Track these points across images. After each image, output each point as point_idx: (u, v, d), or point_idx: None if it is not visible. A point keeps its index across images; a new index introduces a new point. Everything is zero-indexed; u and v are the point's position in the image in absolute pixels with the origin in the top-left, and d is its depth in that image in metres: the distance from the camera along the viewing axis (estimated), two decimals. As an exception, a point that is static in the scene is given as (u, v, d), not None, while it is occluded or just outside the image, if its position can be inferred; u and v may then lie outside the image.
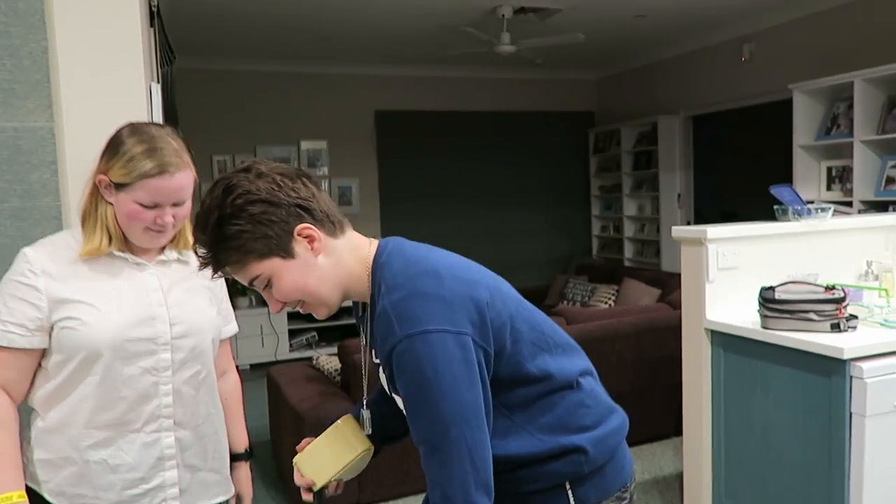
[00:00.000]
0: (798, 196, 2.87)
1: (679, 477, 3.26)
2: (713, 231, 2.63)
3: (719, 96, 5.93)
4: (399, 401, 1.16)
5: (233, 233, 1.06)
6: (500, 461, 1.11)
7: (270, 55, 6.14)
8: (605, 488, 1.18)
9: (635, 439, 3.74)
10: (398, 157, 6.81)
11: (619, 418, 1.23)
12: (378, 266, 1.13)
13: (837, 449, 2.17)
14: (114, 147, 1.28)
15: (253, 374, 5.78)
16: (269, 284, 1.10)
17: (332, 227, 1.13)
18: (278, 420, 3.57)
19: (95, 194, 1.31)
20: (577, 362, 1.21)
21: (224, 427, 1.50)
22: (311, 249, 1.10)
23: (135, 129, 1.29)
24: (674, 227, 2.80)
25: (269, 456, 3.88)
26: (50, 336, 1.28)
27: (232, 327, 1.55)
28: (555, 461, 1.13)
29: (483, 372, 1.07)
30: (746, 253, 2.70)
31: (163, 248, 1.39)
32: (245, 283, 1.11)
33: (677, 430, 3.76)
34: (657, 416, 3.76)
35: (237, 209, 1.06)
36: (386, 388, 1.24)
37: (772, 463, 2.44)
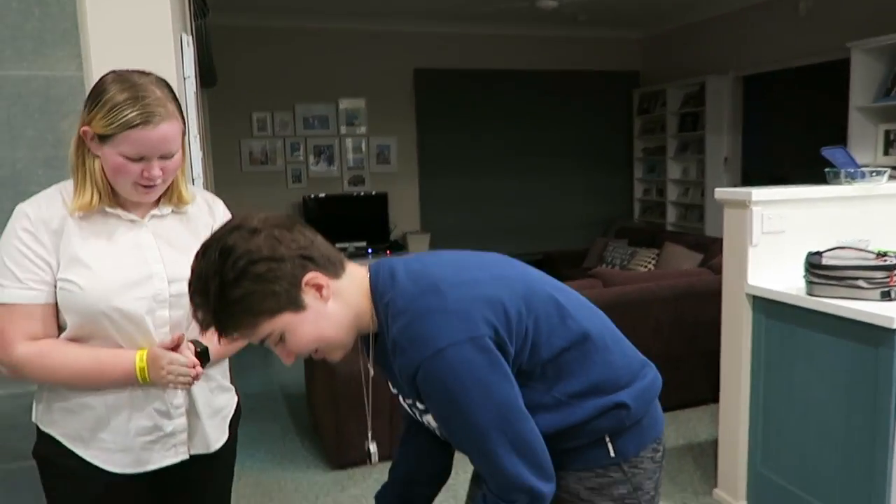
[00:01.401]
0: (851, 158, 2.73)
1: (714, 443, 3.20)
2: (758, 193, 2.52)
3: (772, 55, 5.66)
4: (430, 420, 1.17)
5: (238, 297, 1.01)
6: (549, 434, 1.11)
7: (309, 11, 6.07)
8: (642, 439, 1.19)
9: (671, 404, 3.67)
10: (437, 115, 6.72)
11: (652, 372, 1.24)
12: (377, 295, 1.11)
13: (882, 422, 2.09)
14: (95, 96, 1.23)
15: (290, 330, 5.87)
16: (281, 339, 1.08)
17: (334, 269, 1.10)
18: (313, 374, 3.62)
19: (82, 147, 1.26)
20: (596, 322, 1.20)
21: (224, 372, 1.51)
22: (321, 297, 1.07)
23: (117, 76, 1.24)
24: (717, 189, 2.70)
25: (305, 408, 3.95)
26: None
27: None
28: (598, 419, 1.14)
29: (506, 364, 1.06)
30: (793, 217, 2.59)
31: (157, 203, 1.36)
32: (255, 342, 1.08)
33: (714, 397, 3.67)
34: (694, 382, 3.69)
35: (240, 272, 1.01)
36: (411, 412, 1.24)
37: (812, 433, 2.36)
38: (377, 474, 3.11)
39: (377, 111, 6.59)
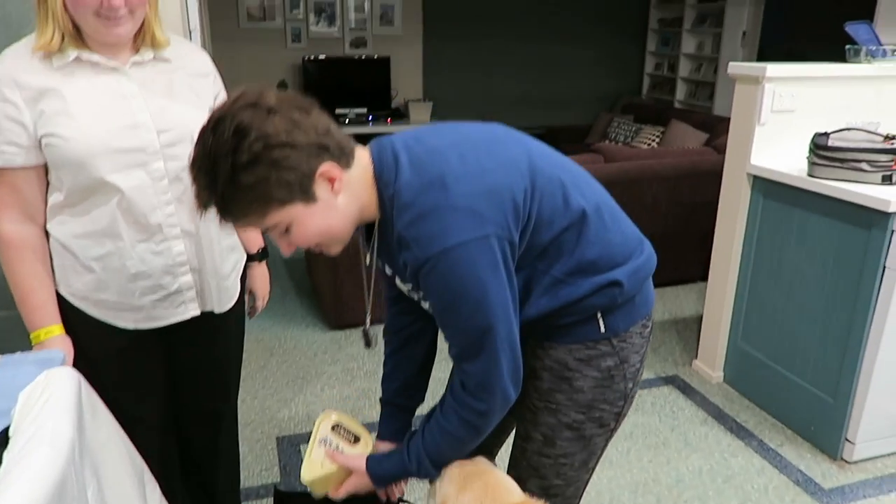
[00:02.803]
0: (875, 35, 2.61)
1: (698, 319, 3.32)
2: (773, 69, 2.43)
3: (807, -81, 5.25)
4: (426, 305, 1.17)
5: (250, 183, 0.94)
6: (545, 313, 1.13)
7: None
8: (632, 316, 1.20)
9: (661, 281, 3.76)
10: (444, -25, 6.35)
11: (648, 249, 1.23)
12: (382, 184, 1.05)
13: (863, 301, 2.15)
14: None
15: (290, 194, 5.88)
16: (287, 230, 1.02)
17: (346, 159, 1.03)
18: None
19: None
20: (596, 198, 1.16)
21: (229, 230, 1.48)
22: (332, 190, 1.01)
23: None
24: (731, 63, 2.60)
25: (304, 272, 4.04)
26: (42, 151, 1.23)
27: None
28: (591, 297, 1.14)
29: (508, 263, 1.05)
30: (806, 95, 2.52)
31: (136, 48, 1.27)
32: (260, 231, 1.05)
33: (703, 276, 3.75)
34: (685, 261, 3.76)
35: (255, 155, 0.93)
36: (407, 293, 1.23)
37: (793, 311, 2.44)
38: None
39: (381, -33, 6.22)
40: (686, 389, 2.77)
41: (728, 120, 2.71)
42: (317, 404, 2.65)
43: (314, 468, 1.26)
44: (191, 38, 2.07)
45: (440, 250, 0.99)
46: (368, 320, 1.31)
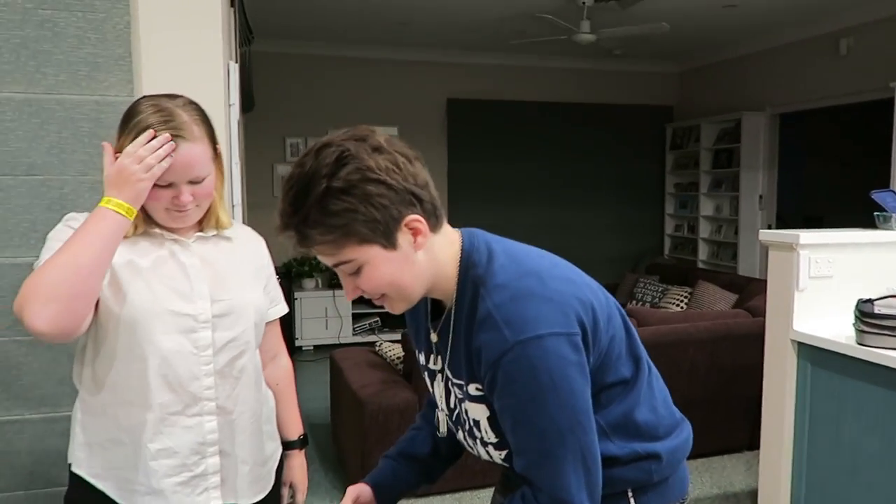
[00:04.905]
0: (903, 202, 2.65)
1: (751, 494, 3.08)
2: (806, 237, 2.45)
3: (810, 94, 5.58)
4: (473, 410, 1.08)
5: (339, 210, 0.93)
6: None
7: (346, 40, 6.15)
8: (666, 498, 1.14)
9: (704, 451, 3.57)
10: (468, 145, 6.73)
11: (688, 428, 1.20)
12: (470, 263, 1.04)
13: (939, 482, 1.99)
14: (124, 122, 1.21)
15: (316, 354, 5.84)
16: (358, 272, 0.99)
17: (435, 221, 1.02)
18: (339, 404, 3.57)
19: None
20: (649, 365, 1.16)
21: (269, 416, 1.44)
22: (414, 243, 0.99)
23: (146, 101, 1.22)
24: (761, 231, 2.63)
25: (329, 439, 3.89)
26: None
27: (279, 308, 1.48)
28: (627, 466, 1.09)
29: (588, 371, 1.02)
30: (842, 261, 2.51)
31: (200, 226, 1.33)
32: (329, 264, 1.00)
33: (750, 445, 3.56)
34: (729, 429, 3.57)
35: (351, 185, 0.93)
36: (443, 401, 1.16)
37: (861, 491, 2.26)
38: (402, 510, 3.03)
39: (408, 140, 6.40)
40: (749, 579, 2.51)
41: (756, 280, 2.70)
42: None
43: None
44: (233, 213, 2.15)
45: (533, 336, 0.95)
46: (440, 405, 1.20)
